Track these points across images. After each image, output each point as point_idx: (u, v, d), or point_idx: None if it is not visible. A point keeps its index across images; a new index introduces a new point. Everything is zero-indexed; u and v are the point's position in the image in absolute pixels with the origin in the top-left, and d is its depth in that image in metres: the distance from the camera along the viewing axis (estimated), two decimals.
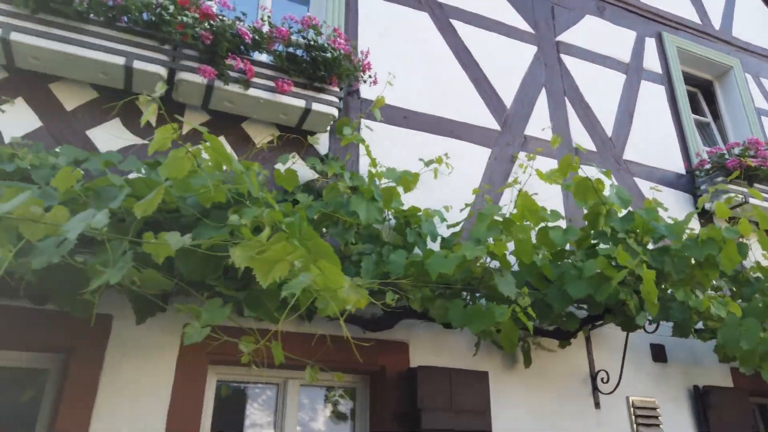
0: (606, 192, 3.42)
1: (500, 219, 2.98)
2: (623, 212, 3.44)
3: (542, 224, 3.20)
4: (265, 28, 3.36)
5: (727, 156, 4.74)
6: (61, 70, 3.08)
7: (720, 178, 4.77)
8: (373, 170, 3.20)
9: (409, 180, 3.10)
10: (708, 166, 4.87)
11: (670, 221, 3.53)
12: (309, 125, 3.56)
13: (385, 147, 3.84)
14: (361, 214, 2.80)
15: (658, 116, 5.27)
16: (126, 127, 3.23)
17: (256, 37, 3.23)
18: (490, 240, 2.91)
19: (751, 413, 4.20)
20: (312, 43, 3.31)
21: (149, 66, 3.08)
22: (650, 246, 3.48)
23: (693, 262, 3.24)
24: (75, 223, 1.82)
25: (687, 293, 3.18)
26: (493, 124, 4.39)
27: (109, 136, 3.16)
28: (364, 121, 3.82)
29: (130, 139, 3.21)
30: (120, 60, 3.03)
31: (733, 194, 4.66)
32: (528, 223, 2.99)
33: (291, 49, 3.36)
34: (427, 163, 3.56)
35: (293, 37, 3.35)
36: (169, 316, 2.88)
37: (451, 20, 4.62)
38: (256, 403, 3.24)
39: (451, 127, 4.20)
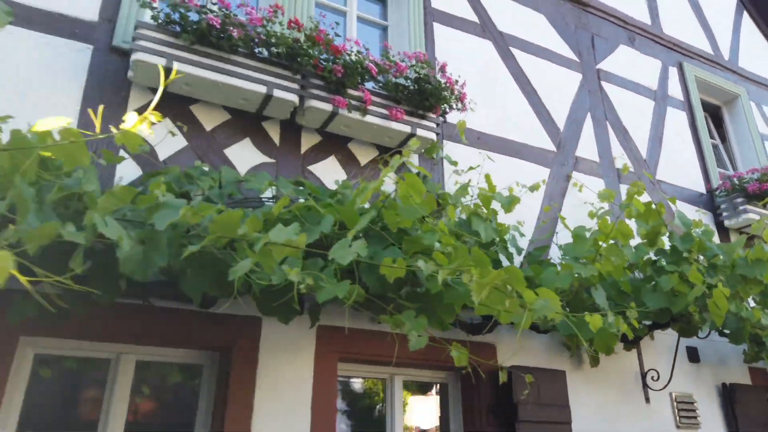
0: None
1: (590, 238, 3.45)
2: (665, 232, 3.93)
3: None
4: (373, 61, 3.72)
5: (747, 180, 5.33)
6: (205, 95, 3.39)
7: (740, 199, 5.36)
8: (485, 192, 3.61)
9: (512, 203, 3.53)
10: (728, 188, 5.45)
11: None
12: (406, 146, 3.95)
13: (463, 166, 4.26)
14: (482, 234, 3.21)
15: (681, 140, 5.84)
16: (255, 146, 3.56)
17: (379, 72, 3.60)
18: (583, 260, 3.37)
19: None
20: (422, 76, 3.70)
21: (285, 94, 3.42)
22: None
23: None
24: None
25: (739, 305, 3.71)
26: (549, 145, 4.85)
27: (242, 155, 3.49)
28: (445, 141, 4.23)
29: (258, 158, 3.54)
30: (262, 88, 3.35)
31: (752, 214, 5.25)
32: (618, 243, 3.45)
33: (401, 80, 3.74)
34: (532, 188, 4.01)
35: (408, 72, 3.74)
36: (304, 318, 3.24)
37: (511, 48, 5.05)
38: (368, 397, 3.65)
39: (516, 147, 4.65)
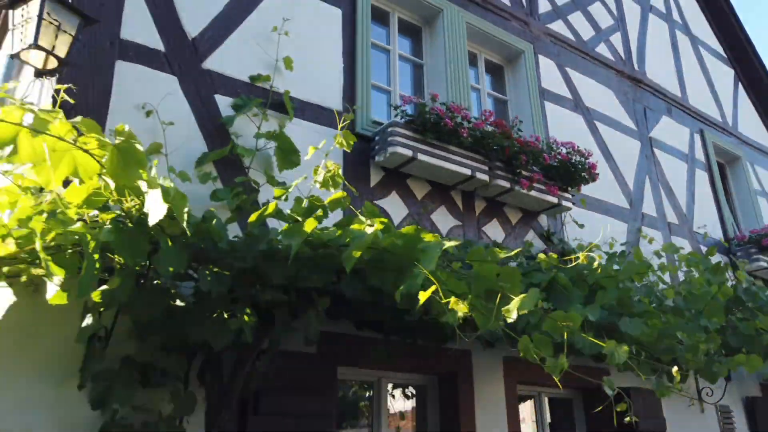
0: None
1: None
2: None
3: None
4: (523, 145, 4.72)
5: (763, 235, 6.71)
6: (420, 173, 4.28)
7: (753, 249, 6.74)
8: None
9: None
10: (744, 239, 6.83)
11: None
12: (543, 211, 4.99)
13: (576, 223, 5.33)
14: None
15: (705, 196, 7.18)
16: (449, 212, 4.48)
17: (551, 159, 4.61)
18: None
19: None
20: (573, 160, 4.75)
21: (481, 175, 4.37)
22: None
23: None
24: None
25: None
26: (624, 203, 6.02)
27: (441, 219, 4.41)
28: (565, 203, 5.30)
29: (451, 222, 4.47)
30: (467, 171, 4.29)
31: (762, 262, 6.64)
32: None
33: (553, 162, 4.77)
34: (657, 252, 5.12)
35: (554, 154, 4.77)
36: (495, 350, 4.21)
37: (595, 122, 6.17)
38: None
39: (605, 206, 5.77)
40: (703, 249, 6.62)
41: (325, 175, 2.86)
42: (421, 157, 4.05)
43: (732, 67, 8.92)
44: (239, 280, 2.49)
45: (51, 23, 2.79)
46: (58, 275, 1.95)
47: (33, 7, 2.77)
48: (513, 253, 2.77)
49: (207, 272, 2.40)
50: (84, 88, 3.08)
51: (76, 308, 2.51)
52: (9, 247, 2.04)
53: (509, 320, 2.07)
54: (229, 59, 3.79)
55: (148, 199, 2.03)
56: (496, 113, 5.61)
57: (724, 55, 8.91)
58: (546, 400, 4.73)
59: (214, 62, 3.73)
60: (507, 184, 4.50)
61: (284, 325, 2.77)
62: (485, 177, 4.39)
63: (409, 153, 3.99)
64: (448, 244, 2.34)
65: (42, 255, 1.89)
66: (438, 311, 2.27)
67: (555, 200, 4.79)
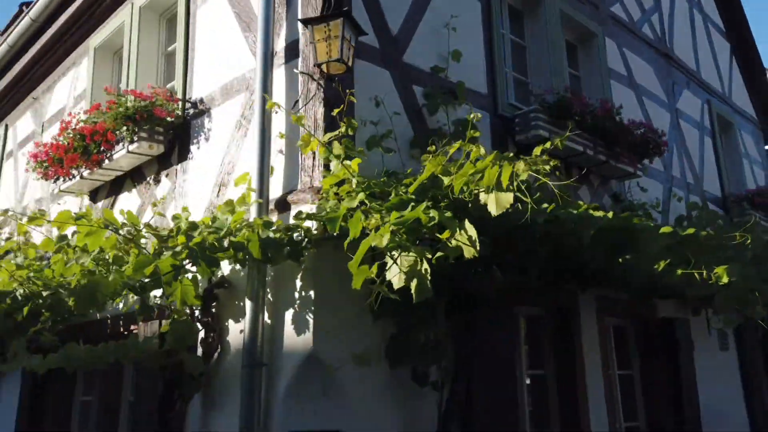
0: None
1: None
2: None
3: None
4: None
5: (755, 194, 8.14)
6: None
7: (747, 205, 8.18)
8: None
9: None
10: (741, 197, 8.25)
11: None
12: (617, 177, 6.09)
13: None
14: None
15: (710, 160, 8.51)
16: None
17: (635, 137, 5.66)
18: None
19: None
20: (647, 137, 5.82)
21: (589, 150, 5.37)
22: None
23: None
24: None
25: None
26: (660, 167, 7.20)
27: None
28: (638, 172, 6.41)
29: None
30: (579, 148, 5.28)
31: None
32: None
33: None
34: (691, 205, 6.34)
35: None
36: None
37: (642, 97, 7.23)
38: None
39: (651, 171, 6.94)
40: (710, 206, 8.00)
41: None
42: (553, 137, 5.00)
43: (729, 41, 10.13)
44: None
45: (347, 39, 3.49)
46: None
47: (335, 27, 3.46)
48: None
49: None
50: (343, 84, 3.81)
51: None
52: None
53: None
54: (417, 53, 4.53)
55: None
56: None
57: (724, 30, 10.09)
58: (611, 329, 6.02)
59: (408, 56, 4.47)
60: (603, 158, 5.54)
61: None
62: (591, 152, 5.40)
63: (546, 134, 4.93)
64: (663, 229, 3.40)
65: None
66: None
67: (632, 170, 5.90)
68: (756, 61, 10.21)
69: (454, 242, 2.66)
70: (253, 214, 3.65)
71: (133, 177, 5.34)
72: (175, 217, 3.81)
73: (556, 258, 3.71)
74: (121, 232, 3.46)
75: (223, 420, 3.61)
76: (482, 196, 2.87)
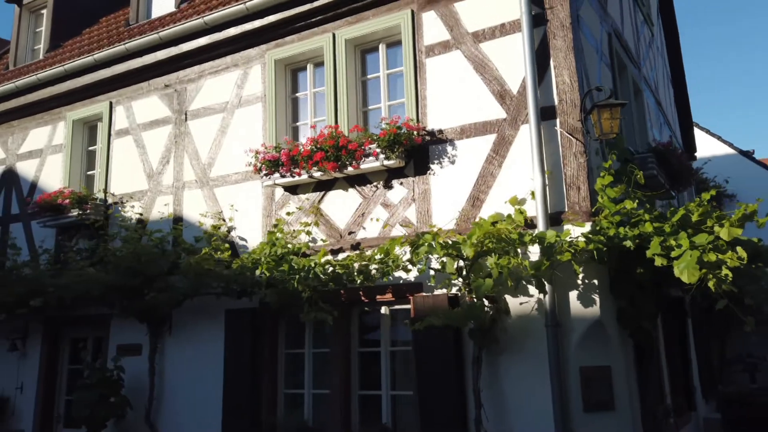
0: None
1: None
2: None
3: None
4: None
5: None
6: None
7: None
8: None
9: None
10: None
11: None
12: None
13: None
14: None
15: None
16: None
17: None
18: None
19: None
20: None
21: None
22: None
23: None
24: None
25: None
26: None
27: None
28: None
29: None
30: None
31: None
32: None
33: None
34: None
35: None
36: None
37: None
38: None
39: None
40: None
41: None
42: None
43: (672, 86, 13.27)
44: None
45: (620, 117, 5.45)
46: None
47: (615, 111, 5.38)
48: None
49: None
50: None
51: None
52: None
53: None
54: None
55: None
56: None
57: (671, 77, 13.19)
58: None
59: None
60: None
61: None
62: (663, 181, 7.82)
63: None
64: None
65: None
66: None
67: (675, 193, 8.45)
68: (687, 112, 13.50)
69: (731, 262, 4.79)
70: (540, 227, 5.48)
71: (351, 180, 6.75)
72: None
73: None
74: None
75: (523, 362, 5.46)
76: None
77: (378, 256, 5.94)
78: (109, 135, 8.84)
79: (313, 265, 6.10)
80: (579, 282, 5.41)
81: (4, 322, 8.45)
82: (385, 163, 6.26)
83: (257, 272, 6.22)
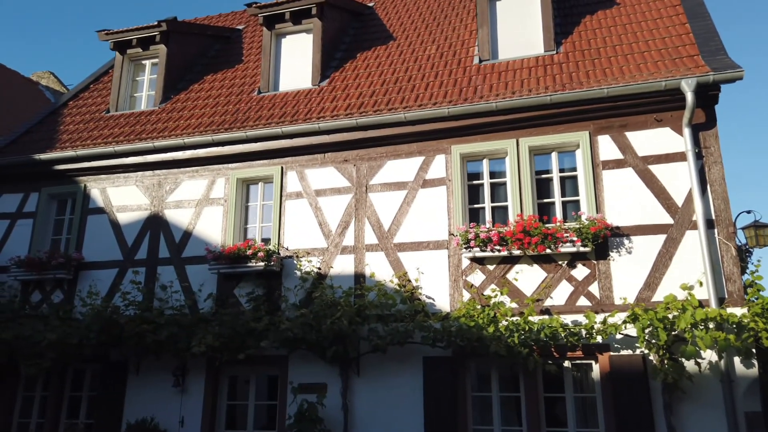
0: None
1: None
2: None
3: None
4: None
5: None
6: None
7: None
8: None
9: None
10: None
11: None
12: None
13: None
14: None
15: None
16: None
17: None
18: None
19: None
20: None
21: None
22: None
23: None
24: None
25: None
26: None
27: None
28: None
29: None
30: None
31: None
32: None
33: None
34: None
35: None
36: None
37: None
38: None
39: None
40: None
41: None
42: None
43: None
44: None
45: None
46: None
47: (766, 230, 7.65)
48: None
49: None
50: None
51: None
52: None
53: None
54: None
55: None
56: None
57: None
58: None
59: None
60: None
61: None
62: None
63: None
64: None
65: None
66: None
67: None
68: None
69: None
70: (712, 306, 7.55)
71: (534, 258, 8.55)
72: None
73: None
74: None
75: (702, 414, 7.39)
76: None
77: (574, 320, 7.76)
78: (281, 196, 10.07)
79: (523, 323, 7.79)
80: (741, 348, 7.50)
81: (171, 359, 9.30)
82: (581, 249, 8.13)
83: (491, 329, 7.80)
